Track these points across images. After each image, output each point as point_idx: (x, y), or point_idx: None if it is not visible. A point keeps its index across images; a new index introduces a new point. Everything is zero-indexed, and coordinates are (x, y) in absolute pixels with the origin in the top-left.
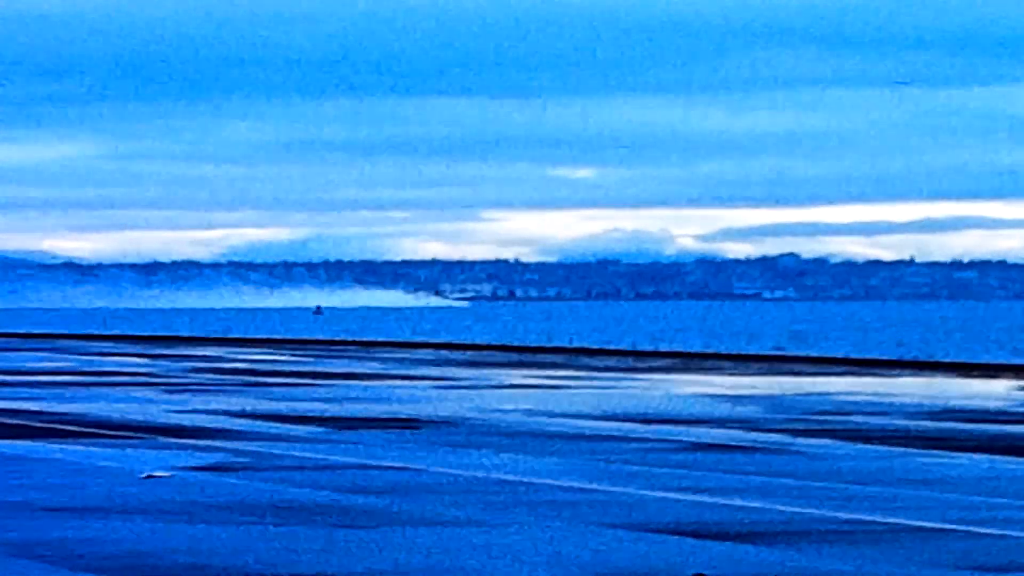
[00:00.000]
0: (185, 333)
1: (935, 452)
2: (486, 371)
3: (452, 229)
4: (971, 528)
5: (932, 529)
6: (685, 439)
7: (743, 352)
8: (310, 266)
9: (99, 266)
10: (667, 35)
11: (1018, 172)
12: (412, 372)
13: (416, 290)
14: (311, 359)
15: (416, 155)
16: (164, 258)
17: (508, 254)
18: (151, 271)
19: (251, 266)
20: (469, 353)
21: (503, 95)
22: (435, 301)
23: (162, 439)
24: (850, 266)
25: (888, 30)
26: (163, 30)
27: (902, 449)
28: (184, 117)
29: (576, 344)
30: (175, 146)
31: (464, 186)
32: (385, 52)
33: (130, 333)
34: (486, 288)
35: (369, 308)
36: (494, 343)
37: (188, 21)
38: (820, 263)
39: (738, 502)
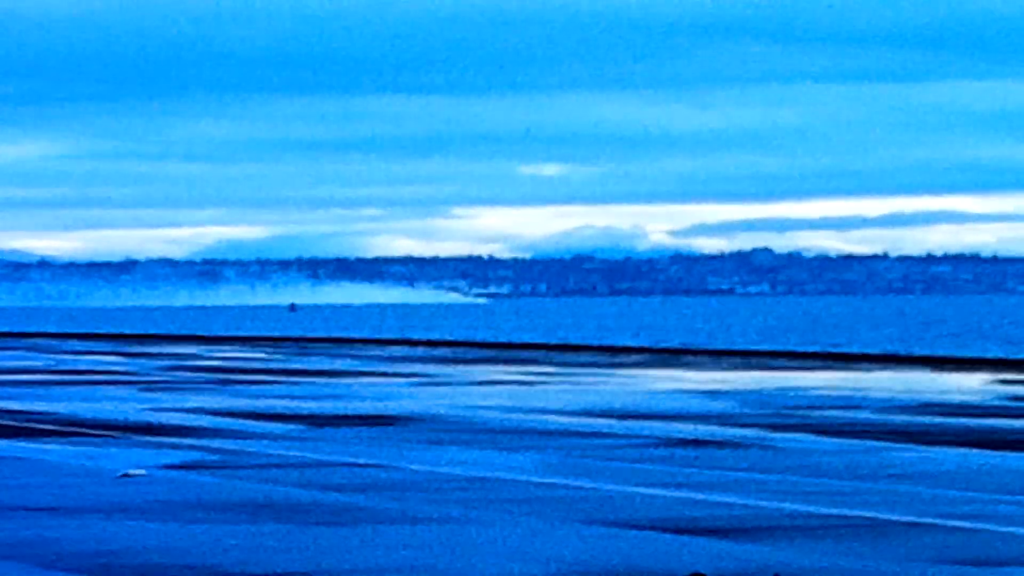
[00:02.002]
0: (160, 331)
1: (911, 446)
2: (462, 367)
3: (424, 226)
4: (948, 522)
5: (909, 523)
6: (661, 434)
7: (718, 347)
8: (284, 264)
9: (73, 265)
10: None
11: (988, 166)
12: (388, 369)
13: (391, 287)
14: (286, 356)
15: (386, 152)
16: (138, 256)
17: (482, 251)
18: (125, 269)
19: (225, 264)
20: (445, 349)
21: (472, 92)
22: (411, 298)
23: (137, 437)
24: (824, 261)
25: (858, 25)
26: (132, 29)
27: (878, 443)
28: (154, 115)
29: (551, 340)
30: (146, 145)
31: (434, 183)
32: (356, 49)
33: (104, 332)
34: (462, 285)
35: (344, 305)
36: (469, 339)
37: (158, 19)
38: (794, 258)
39: (715, 497)
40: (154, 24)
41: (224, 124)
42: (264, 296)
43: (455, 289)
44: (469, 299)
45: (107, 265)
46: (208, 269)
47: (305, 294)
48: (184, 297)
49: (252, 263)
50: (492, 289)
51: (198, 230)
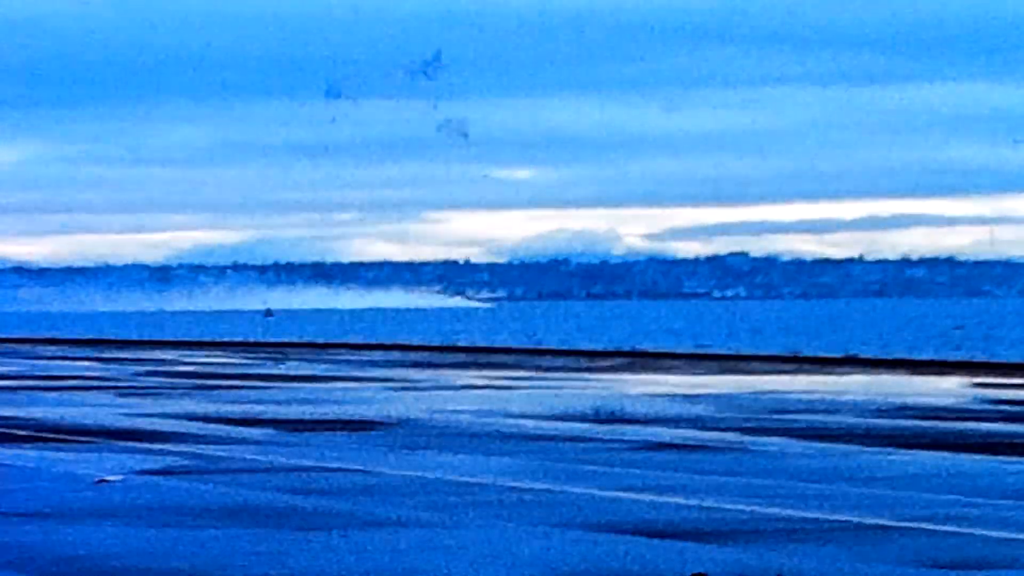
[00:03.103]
0: (136, 336)
1: (887, 449)
2: (438, 371)
3: (397, 230)
4: (923, 525)
5: (884, 526)
6: (638, 438)
7: (695, 351)
8: (260, 268)
9: (48, 270)
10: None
11: (964, 169)
12: (363, 373)
13: (367, 291)
14: (262, 361)
15: (357, 157)
16: (114, 261)
17: (458, 255)
18: (101, 274)
19: (201, 268)
20: (421, 354)
21: (444, 96)
22: (387, 302)
23: (114, 443)
24: (799, 264)
25: (832, 28)
26: (105, 33)
27: (854, 447)
28: (129, 120)
29: (528, 344)
30: (122, 149)
31: (406, 188)
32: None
33: (80, 337)
34: (438, 289)
35: (320, 310)
36: (445, 343)
37: (130, 24)
38: (770, 261)
39: (692, 501)
40: (128, 29)
41: (199, 128)
42: (240, 301)
43: (431, 293)
44: (445, 303)
45: (83, 270)
46: (184, 274)
47: (281, 299)
48: (160, 302)
49: (228, 268)
50: (468, 293)
51: (174, 235)
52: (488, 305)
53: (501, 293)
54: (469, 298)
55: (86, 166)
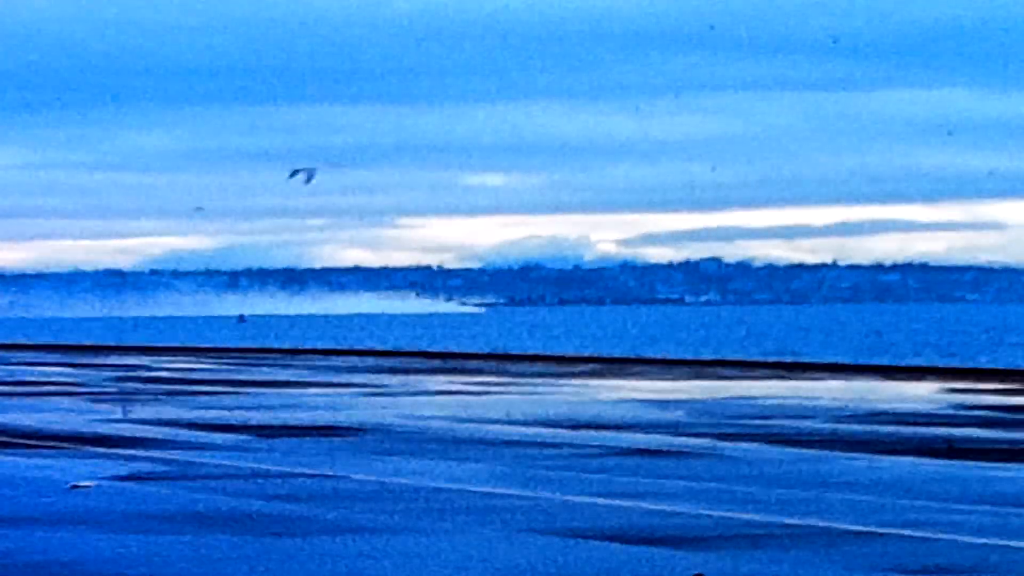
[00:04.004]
0: (108, 342)
1: (860, 455)
2: (411, 377)
3: (370, 236)
4: (897, 531)
5: (858, 532)
6: (611, 444)
7: (668, 357)
8: (232, 274)
9: (21, 276)
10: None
11: (935, 175)
12: (337, 379)
13: (340, 297)
14: (235, 367)
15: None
16: (86, 267)
17: (431, 260)
18: (73, 280)
19: (174, 274)
20: (394, 359)
21: (414, 102)
22: (361, 308)
23: (86, 449)
24: (772, 270)
25: (801, 35)
26: (76, 38)
27: (828, 452)
28: (101, 126)
29: (501, 350)
30: (93, 155)
31: (378, 193)
32: (302, 60)
33: (53, 342)
34: (411, 295)
35: (293, 315)
36: (418, 349)
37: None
38: (743, 267)
39: (665, 507)
40: (100, 35)
41: (170, 135)
42: (213, 307)
43: (405, 299)
44: (419, 309)
45: (55, 276)
46: (156, 279)
47: (254, 304)
48: (132, 308)
49: (200, 274)
50: (442, 299)
51: (146, 240)
52: (462, 311)
53: (474, 299)
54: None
55: (58, 172)
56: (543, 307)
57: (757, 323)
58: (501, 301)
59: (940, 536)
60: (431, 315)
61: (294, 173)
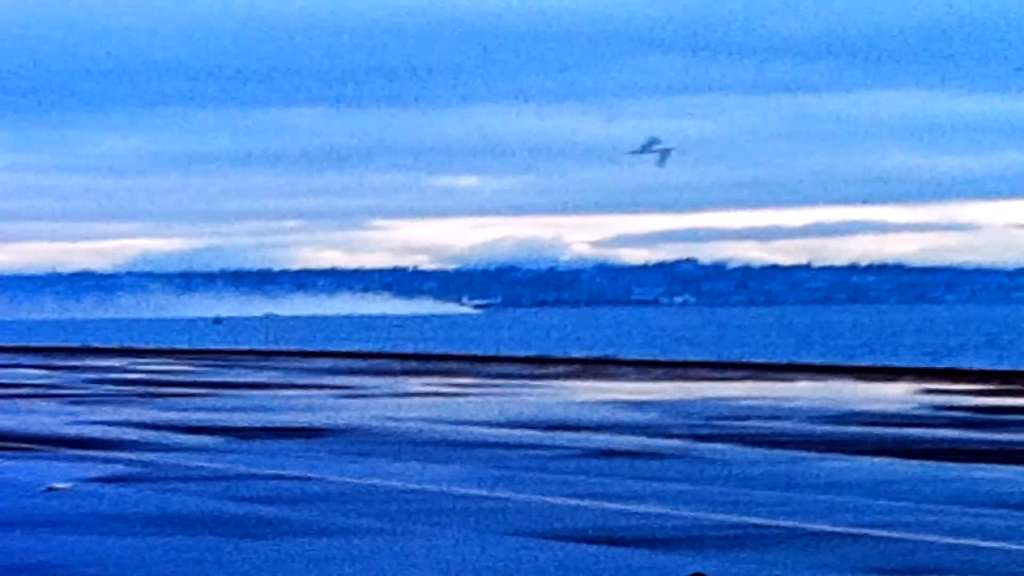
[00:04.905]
0: (84, 344)
1: (835, 455)
2: (387, 379)
3: (345, 238)
4: (871, 531)
5: (832, 532)
6: (587, 445)
7: (643, 358)
8: (208, 276)
9: None
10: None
11: (907, 176)
12: (312, 381)
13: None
14: (211, 369)
15: (301, 165)
16: (62, 269)
17: (406, 262)
18: (49, 282)
19: (150, 276)
20: (370, 361)
21: (386, 104)
22: (336, 310)
23: (63, 451)
24: (747, 271)
25: (776, 37)
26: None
27: (802, 453)
28: (75, 128)
29: (476, 351)
30: (69, 158)
31: (351, 196)
32: (271, 63)
33: (29, 344)
34: (387, 296)
35: (270, 317)
36: (394, 351)
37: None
38: (718, 268)
39: (640, 508)
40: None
41: (145, 137)
42: (189, 309)
43: (380, 301)
44: (395, 311)
45: (31, 278)
46: (132, 282)
47: (230, 306)
48: (108, 310)
49: (176, 276)
50: (418, 300)
51: (121, 243)
52: (438, 312)
53: (450, 300)
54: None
55: (33, 174)
56: (519, 308)
57: (732, 324)
58: (478, 303)
59: (915, 536)
60: (407, 317)
61: (645, 148)
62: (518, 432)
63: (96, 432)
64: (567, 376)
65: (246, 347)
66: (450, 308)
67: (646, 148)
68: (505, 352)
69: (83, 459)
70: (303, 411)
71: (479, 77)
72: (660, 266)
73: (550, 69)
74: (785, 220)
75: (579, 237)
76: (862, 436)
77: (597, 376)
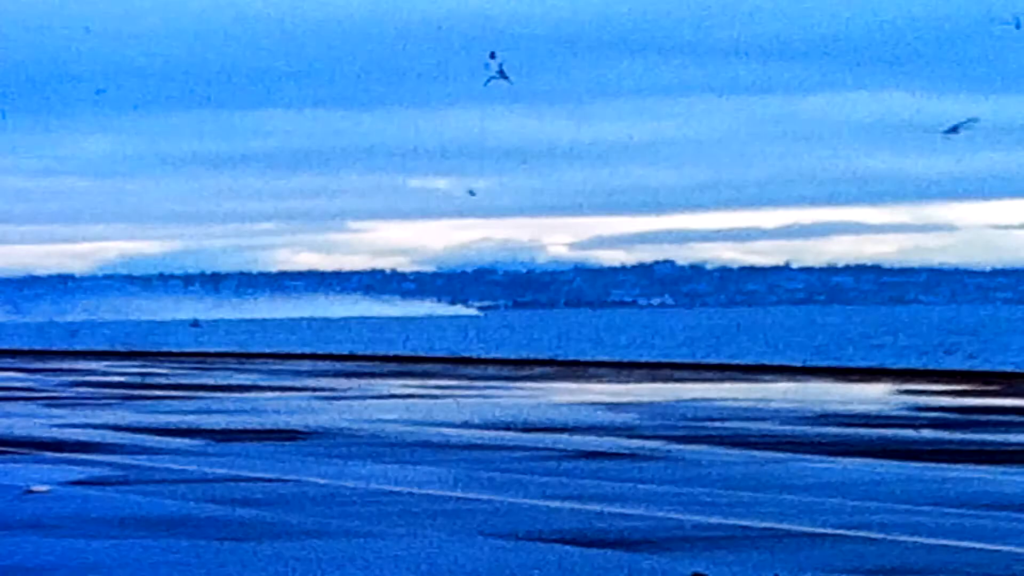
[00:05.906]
0: (62, 347)
1: (813, 456)
2: (366, 381)
3: (322, 240)
4: (850, 532)
5: (811, 534)
6: (566, 447)
7: (621, 359)
8: (186, 278)
9: None
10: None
11: (884, 177)
12: (292, 383)
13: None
14: (189, 371)
15: (278, 167)
16: (39, 272)
17: (384, 264)
18: (26, 285)
19: (127, 279)
20: (348, 364)
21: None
22: (315, 312)
23: (41, 454)
24: (726, 272)
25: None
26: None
27: (782, 454)
28: (51, 130)
29: (454, 353)
30: (44, 160)
31: (328, 198)
32: (246, 64)
33: (6, 347)
34: (365, 298)
35: (247, 320)
36: (373, 353)
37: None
38: (696, 270)
39: (620, 509)
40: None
41: (120, 139)
42: (166, 311)
43: (358, 303)
44: (373, 312)
45: (7, 281)
46: (109, 284)
47: (207, 309)
48: (85, 312)
49: (153, 278)
50: (397, 302)
51: (98, 245)
52: (416, 314)
53: (428, 302)
54: (397, 307)
55: (8, 177)
56: (497, 310)
57: (710, 325)
58: (455, 304)
59: (894, 537)
60: (385, 319)
61: (959, 127)
62: (497, 434)
63: (74, 435)
64: (545, 378)
65: (224, 350)
66: (427, 309)
67: (960, 126)
68: (483, 354)
69: (61, 462)
70: (282, 413)
71: (456, 79)
72: (638, 267)
73: (526, 71)
74: (763, 221)
75: (556, 239)
76: (841, 437)
77: (575, 378)
